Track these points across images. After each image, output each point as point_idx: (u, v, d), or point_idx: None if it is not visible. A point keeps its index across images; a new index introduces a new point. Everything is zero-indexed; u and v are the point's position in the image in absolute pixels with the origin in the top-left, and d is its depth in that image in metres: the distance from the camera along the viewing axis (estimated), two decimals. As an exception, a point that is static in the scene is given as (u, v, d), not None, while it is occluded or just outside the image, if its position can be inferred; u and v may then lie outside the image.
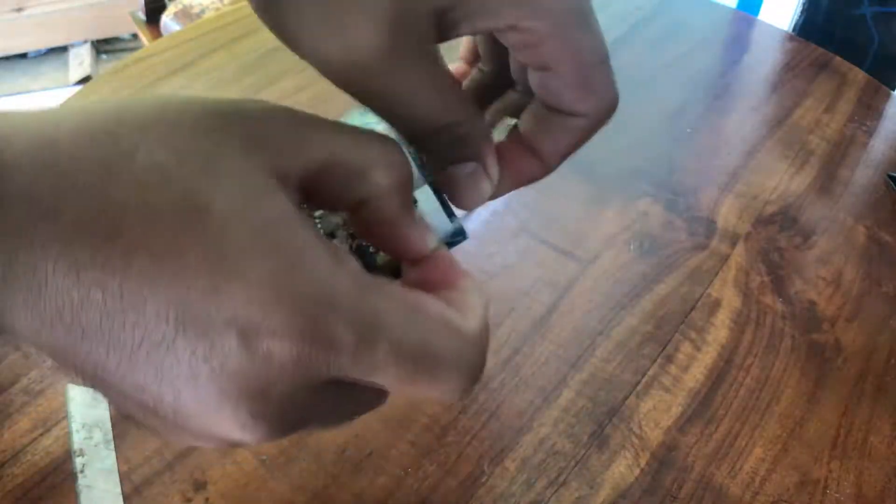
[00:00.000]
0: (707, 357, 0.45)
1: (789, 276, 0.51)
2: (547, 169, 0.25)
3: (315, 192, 0.20)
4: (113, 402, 0.18)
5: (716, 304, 0.48)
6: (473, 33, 0.25)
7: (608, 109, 0.25)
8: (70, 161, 0.16)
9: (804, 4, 1.05)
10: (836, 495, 0.38)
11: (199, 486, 0.36)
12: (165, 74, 0.65)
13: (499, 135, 0.27)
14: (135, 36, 2.04)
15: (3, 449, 0.37)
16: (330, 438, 0.38)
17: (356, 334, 0.17)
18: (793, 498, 0.38)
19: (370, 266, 0.25)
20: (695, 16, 0.81)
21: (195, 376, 0.16)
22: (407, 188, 0.21)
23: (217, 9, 1.40)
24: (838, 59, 0.75)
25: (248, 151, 0.18)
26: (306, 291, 0.17)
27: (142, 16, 1.58)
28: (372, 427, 0.39)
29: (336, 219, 0.25)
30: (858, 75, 0.73)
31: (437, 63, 0.22)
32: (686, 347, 0.45)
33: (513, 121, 0.27)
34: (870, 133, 0.65)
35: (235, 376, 0.16)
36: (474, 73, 0.29)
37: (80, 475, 0.35)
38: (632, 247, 0.52)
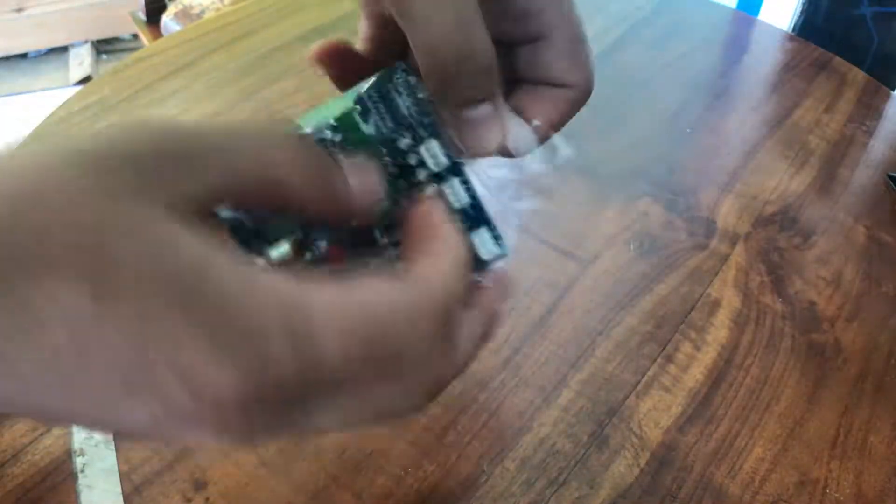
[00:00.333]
0: (707, 357, 0.45)
1: (789, 276, 0.51)
2: (541, 140, 0.26)
3: (235, 201, 0.19)
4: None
5: (716, 304, 0.48)
6: None
7: (590, 85, 0.26)
8: None
9: (804, 4, 1.05)
10: (836, 495, 0.38)
11: (200, 486, 0.36)
12: (165, 74, 0.65)
13: None
14: (135, 36, 2.05)
15: (3, 449, 0.37)
16: (330, 438, 0.38)
17: (296, 360, 0.17)
18: (792, 498, 0.38)
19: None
20: (695, 16, 0.81)
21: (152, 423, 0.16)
22: (322, 173, 0.20)
23: (217, 9, 1.40)
24: (838, 59, 0.75)
25: (140, 197, 0.16)
26: (235, 337, 0.16)
27: (142, 16, 1.58)
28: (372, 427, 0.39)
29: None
30: (858, 75, 0.73)
31: None
32: (686, 347, 0.45)
33: None
34: (870, 133, 0.65)
35: (190, 417, 0.16)
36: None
37: (80, 475, 0.35)
38: (632, 247, 0.52)
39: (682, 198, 0.56)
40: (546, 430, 0.40)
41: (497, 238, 0.26)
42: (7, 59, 2.07)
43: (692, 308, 0.48)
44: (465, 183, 0.25)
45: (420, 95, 0.24)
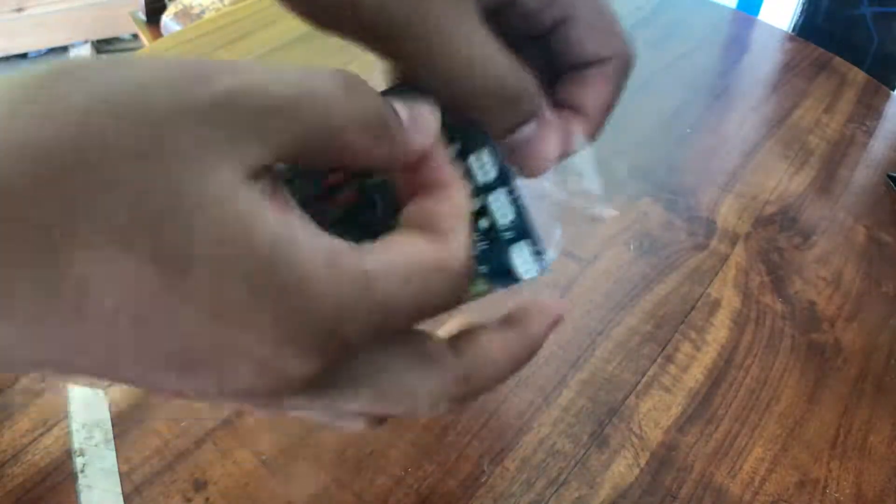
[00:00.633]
0: (707, 357, 0.45)
1: (789, 276, 0.51)
2: (596, 124, 0.26)
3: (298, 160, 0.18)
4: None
5: (715, 304, 0.48)
6: None
7: (628, 52, 0.25)
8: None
9: (804, 4, 1.05)
10: (836, 495, 0.38)
11: (200, 485, 0.36)
12: (165, 74, 0.65)
13: None
14: (135, 36, 2.04)
15: (3, 449, 0.37)
16: (330, 438, 0.38)
17: (371, 329, 0.17)
18: (792, 498, 0.38)
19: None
20: (695, 16, 0.81)
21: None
22: (386, 132, 0.19)
23: (217, 9, 1.40)
24: (838, 59, 0.75)
25: (210, 161, 0.15)
26: (310, 324, 0.16)
27: (142, 16, 1.58)
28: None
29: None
30: (858, 75, 0.73)
31: (488, 28, 0.22)
32: (686, 347, 0.45)
33: None
34: (870, 133, 0.65)
35: (247, 392, 0.16)
36: None
37: (80, 475, 0.36)
38: (632, 247, 0.52)
39: (682, 198, 0.56)
40: (546, 430, 0.40)
41: (538, 254, 0.25)
42: (7, 59, 2.07)
43: (692, 308, 0.48)
44: (512, 193, 0.25)
45: None
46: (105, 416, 0.38)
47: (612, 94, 0.26)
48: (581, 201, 0.27)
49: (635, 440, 0.40)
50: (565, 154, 0.25)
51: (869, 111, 0.68)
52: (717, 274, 0.50)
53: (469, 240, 0.21)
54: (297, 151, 0.17)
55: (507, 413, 0.40)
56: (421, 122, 0.20)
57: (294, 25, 0.72)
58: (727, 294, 0.49)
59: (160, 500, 0.35)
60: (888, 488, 0.39)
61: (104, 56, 0.16)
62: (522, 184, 0.25)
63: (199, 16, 1.39)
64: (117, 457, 0.36)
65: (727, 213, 0.55)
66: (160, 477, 0.36)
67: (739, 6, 1.07)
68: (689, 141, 0.63)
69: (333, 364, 0.17)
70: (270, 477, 0.36)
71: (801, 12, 1.06)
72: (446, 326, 0.24)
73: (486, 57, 0.21)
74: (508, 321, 0.23)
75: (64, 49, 2.13)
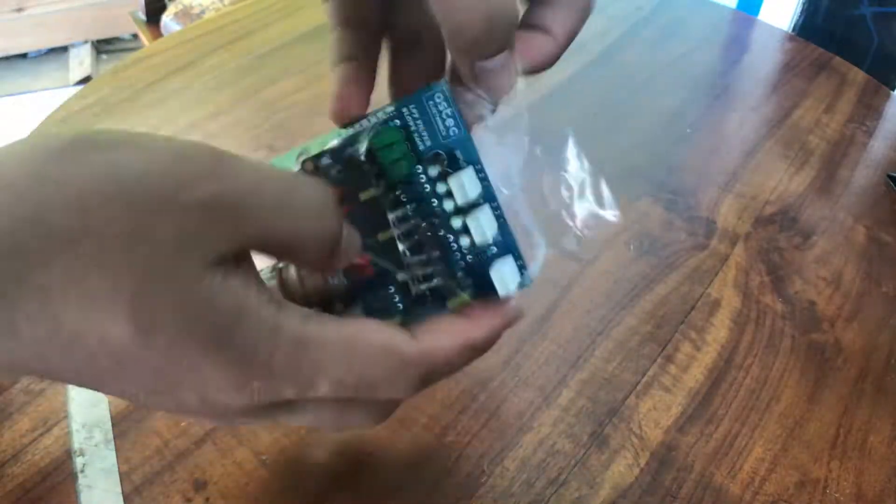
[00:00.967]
0: (707, 357, 0.45)
1: (789, 276, 0.51)
2: (561, 47, 0.27)
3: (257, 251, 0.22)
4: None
5: (716, 304, 0.48)
6: None
7: None
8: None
9: (804, 4, 1.05)
10: (836, 495, 0.38)
11: (200, 485, 0.36)
12: (165, 74, 0.65)
13: None
14: (135, 36, 2.04)
15: (3, 449, 0.37)
16: (330, 438, 0.38)
17: (297, 387, 0.21)
18: (792, 498, 0.38)
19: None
20: (695, 16, 0.81)
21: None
22: (334, 242, 0.23)
23: (217, 9, 1.40)
24: (838, 59, 0.75)
25: (182, 253, 0.19)
26: (256, 375, 0.21)
27: (142, 16, 1.58)
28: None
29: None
30: (858, 75, 0.73)
31: None
32: (686, 347, 0.45)
33: None
34: (870, 133, 0.65)
35: (197, 413, 0.22)
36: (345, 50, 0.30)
37: (80, 475, 0.36)
38: (632, 247, 0.52)
39: (682, 198, 0.56)
40: (546, 430, 0.40)
41: (522, 268, 0.26)
42: (7, 59, 2.07)
43: (692, 308, 0.48)
44: (496, 210, 0.25)
45: (457, 115, 0.24)
46: (105, 416, 0.38)
47: (579, 21, 0.27)
48: (566, 216, 0.27)
49: (635, 440, 0.40)
50: (531, 72, 0.26)
51: (869, 111, 0.68)
52: (717, 274, 0.50)
53: (460, 362, 0.25)
54: (258, 250, 0.21)
55: (507, 413, 0.40)
56: (352, 245, 0.24)
57: (294, 25, 0.72)
58: (727, 294, 0.49)
59: (160, 500, 0.35)
60: (888, 488, 0.39)
61: (117, 132, 0.20)
62: (507, 200, 0.25)
63: (199, 16, 1.39)
64: (117, 457, 0.36)
65: (727, 213, 0.55)
66: (160, 477, 0.36)
67: (739, 6, 1.07)
68: (689, 141, 0.63)
69: (265, 400, 0.21)
70: (270, 477, 0.36)
71: (801, 12, 1.05)
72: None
73: None
74: (465, 314, 0.26)
75: (64, 49, 2.13)
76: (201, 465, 0.36)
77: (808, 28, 1.05)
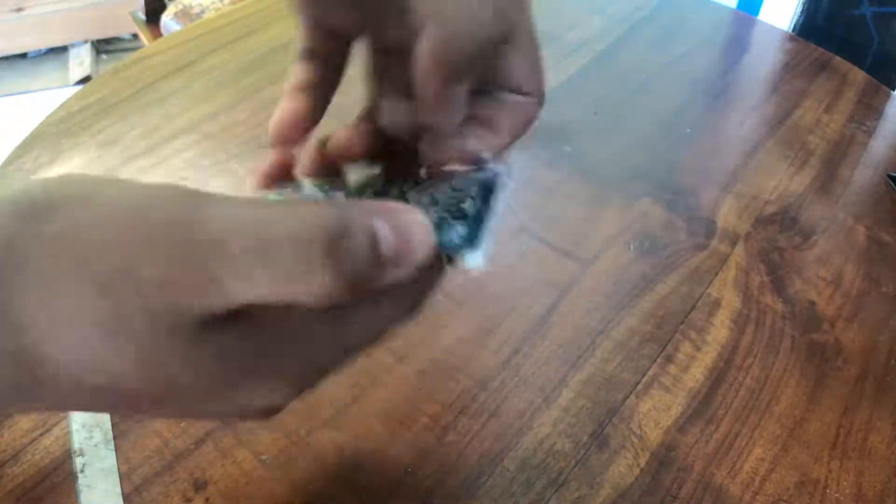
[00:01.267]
0: (707, 357, 0.45)
1: (789, 276, 0.51)
2: (505, 145, 0.27)
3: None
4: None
5: (716, 304, 0.48)
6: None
7: (543, 98, 0.27)
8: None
9: (804, 4, 1.05)
10: (836, 495, 0.38)
11: (200, 486, 0.36)
12: (165, 74, 0.65)
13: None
14: (135, 36, 2.05)
15: (3, 449, 0.37)
16: (330, 438, 0.38)
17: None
18: (792, 498, 0.38)
19: None
20: (695, 16, 0.81)
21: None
22: (332, 299, 0.20)
23: (217, 9, 1.40)
24: (838, 59, 0.75)
25: (152, 323, 0.18)
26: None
27: (142, 16, 1.58)
28: (372, 427, 0.39)
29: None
30: (858, 75, 0.73)
31: None
32: (686, 347, 0.45)
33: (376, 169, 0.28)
34: (870, 133, 0.65)
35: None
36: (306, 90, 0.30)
37: (80, 475, 0.35)
38: (632, 247, 0.52)
39: (682, 198, 0.56)
40: (546, 430, 0.40)
41: (475, 241, 0.25)
42: (7, 59, 2.07)
43: (692, 308, 0.48)
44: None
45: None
46: (105, 416, 0.38)
47: (525, 125, 0.27)
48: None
49: (635, 440, 0.40)
50: (469, 160, 0.26)
51: (869, 111, 0.68)
52: (717, 274, 0.50)
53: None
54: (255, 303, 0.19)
55: (507, 413, 0.40)
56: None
57: (294, 25, 0.72)
58: (727, 294, 0.49)
59: (160, 500, 0.35)
60: (888, 488, 0.39)
61: (124, 182, 0.20)
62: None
63: (199, 16, 1.39)
64: (117, 457, 0.36)
65: (727, 213, 0.55)
66: (160, 477, 0.36)
67: (739, 6, 1.07)
68: (690, 141, 0.63)
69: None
70: (270, 477, 0.36)
71: (801, 12, 1.06)
72: None
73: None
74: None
75: (63, 49, 2.13)
76: (201, 465, 0.36)
77: (808, 28, 1.05)
